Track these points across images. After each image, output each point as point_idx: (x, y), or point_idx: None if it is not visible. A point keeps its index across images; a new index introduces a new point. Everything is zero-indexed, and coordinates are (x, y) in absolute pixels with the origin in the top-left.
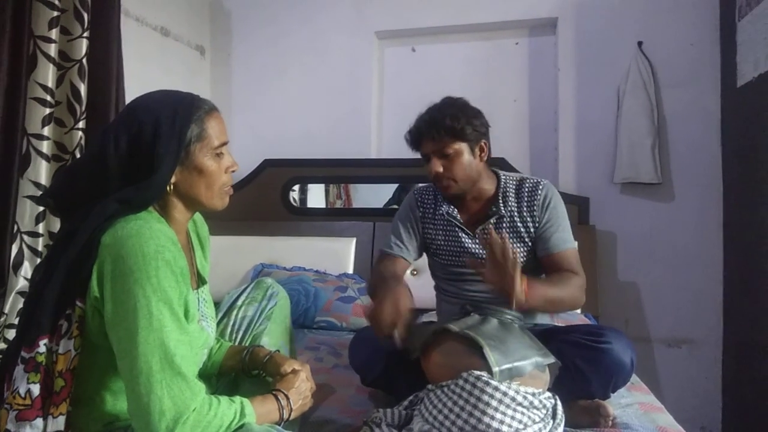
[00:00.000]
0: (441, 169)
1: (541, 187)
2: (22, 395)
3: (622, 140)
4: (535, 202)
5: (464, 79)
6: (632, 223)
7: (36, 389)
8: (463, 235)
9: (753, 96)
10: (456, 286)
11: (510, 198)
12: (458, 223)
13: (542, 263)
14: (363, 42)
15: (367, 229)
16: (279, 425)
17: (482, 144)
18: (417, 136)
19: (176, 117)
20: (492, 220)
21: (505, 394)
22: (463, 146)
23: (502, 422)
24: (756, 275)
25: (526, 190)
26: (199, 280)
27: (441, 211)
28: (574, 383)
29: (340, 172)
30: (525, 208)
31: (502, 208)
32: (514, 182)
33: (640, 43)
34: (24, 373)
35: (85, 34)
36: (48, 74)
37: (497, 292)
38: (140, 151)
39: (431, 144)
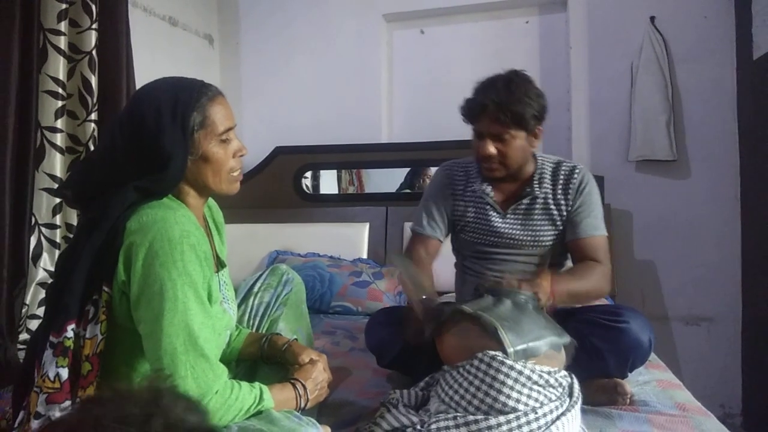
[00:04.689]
0: (494, 152)
1: (577, 171)
2: (52, 379)
3: (637, 117)
4: (570, 185)
5: (474, 60)
6: (648, 200)
7: (65, 373)
8: (494, 213)
9: None
10: (481, 265)
11: (546, 180)
12: (491, 202)
13: (570, 248)
14: (371, 25)
15: (379, 214)
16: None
17: (537, 131)
18: (479, 111)
19: (177, 105)
20: (525, 201)
21: (520, 372)
22: (521, 134)
23: (518, 400)
24: None
25: (563, 173)
26: (219, 264)
27: (473, 188)
28: (591, 363)
29: (352, 158)
30: (560, 191)
31: (537, 189)
32: (551, 165)
33: (652, 18)
34: (53, 357)
35: (94, 26)
36: (59, 67)
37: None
38: (145, 141)
39: (492, 125)
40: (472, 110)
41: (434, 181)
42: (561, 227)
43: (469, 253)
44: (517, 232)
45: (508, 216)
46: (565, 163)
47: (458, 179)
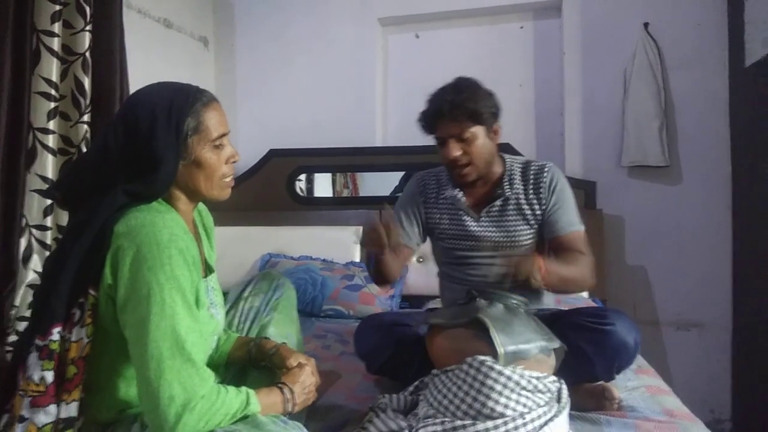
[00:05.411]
0: (460, 153)
1: (546, 169)
2: (36, 382)
3: (629, 123)
4: (542, 184)
5: (469, 64)
6: (640, 206)
7: (50, 376)
8: (468, 218)
9: (761, 75)
10: (460, 271)
11: (516, 180)
12: (463, 207)
13: (550, 245)
14: (366, 29)
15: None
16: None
17: (495, 126)
18: (434, 118)
19: (172, 110)
20: (498, 202)
21: (509, 378)
22: (479, 129)
23: (506, 406)
24: (765, 257)
25: (532, 172)
26: (207, 269)
27: (445, 195)
28: (578, 366)
29: (346, 161)
30: (531, 191)
31: (508, 190)
32: (520, 165)
33: (646, 25)
34: (38, 361)
35: (88, 28)
36: (52, 68)
37: (513, 271)
38: (138, 145)
39: (450, 127)
40: (428, 118)
41: (406, 191)
42: (535, 226)
43: (448, 260)
44: (493, 234)
45: (482, 219)
46: (533, 163)
47: (430, 188)
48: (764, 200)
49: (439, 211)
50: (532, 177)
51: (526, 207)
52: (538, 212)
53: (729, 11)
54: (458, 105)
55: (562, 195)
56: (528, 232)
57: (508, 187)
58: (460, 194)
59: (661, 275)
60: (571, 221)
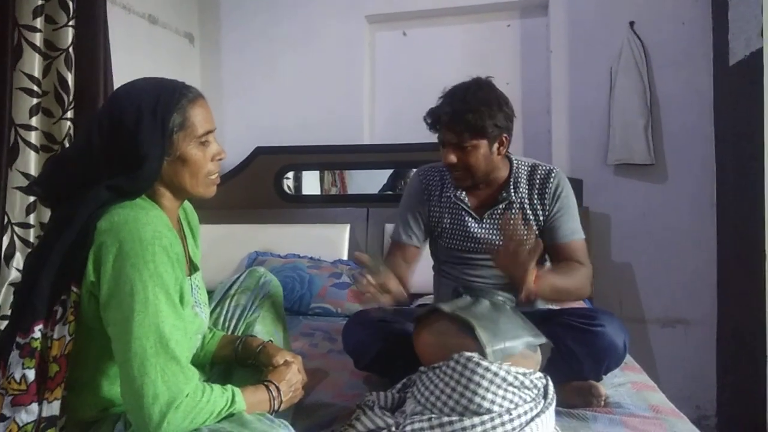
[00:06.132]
0: (455, 160)
1: (553, 175)
2: (18, 380)
3: (615, 121)
4: (547, 190)
5: (456, 62)
6: (626, 204)
7: (31, 374)
8: (470, 219)
9: (745, 74)
10: (458, 270)
11: (521, 185)
12: (466, 207)
13: (550, 252)
14: (353, 26)
15: (360, 215)
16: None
17: (503, 138)
18: (435, 122)
19: (158, 105)
20: (502, 206)
21: (495, 374)
22: (482, 142)
23: (493, 402)
24: (749, 254)
25: (539, 177)
26: (192, 267)
27: (448, 194)
28: (566, 365)
29: (333, 159)
30: (536, 196)
31: (513, 194)
32: (527, 168)
33: (632, 23)
34: (19, 359)
35: (71, 23)
36: (34, 64)
37: (507, 277)
38: (123, 140)
39: (450, 135)
40: (432, 122)
41: (410, 188)
42: (538, 232)
43: (446, 258)
44: (495, 237)
45: (485, 221)
46: (540, 167)
47: (433, 185)
48: (749, 198)
49: (440, 210)
50: (538, 182)
51: (530, 212)
52: (542, 218)
53: (713, 11)
54: (460, 117)
55: (566, 202)
56: (531, 237)
57: (513, 191)
58: (463, 194)
59: (647, 273)
60: (572, 229)
